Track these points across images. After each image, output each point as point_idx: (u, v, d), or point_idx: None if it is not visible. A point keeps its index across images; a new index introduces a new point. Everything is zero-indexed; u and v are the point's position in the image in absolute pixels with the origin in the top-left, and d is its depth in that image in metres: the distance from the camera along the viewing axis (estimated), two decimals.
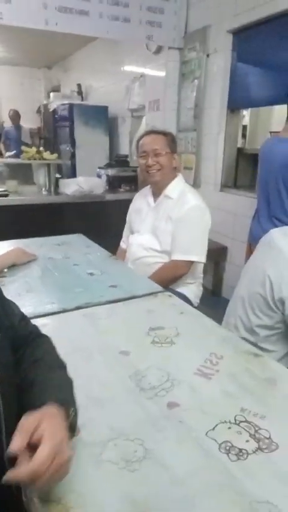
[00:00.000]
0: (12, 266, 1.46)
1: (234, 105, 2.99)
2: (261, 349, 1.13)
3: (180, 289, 1.78)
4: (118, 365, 0.90)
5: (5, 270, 1.41)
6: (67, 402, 0.63)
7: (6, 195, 2.88)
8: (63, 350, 0.84)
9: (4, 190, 2.95)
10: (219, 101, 3.05)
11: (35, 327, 0.84)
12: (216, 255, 3.09)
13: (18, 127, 5.87)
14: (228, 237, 3.07)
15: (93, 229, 2.42)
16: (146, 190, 1.93)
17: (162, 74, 3.54)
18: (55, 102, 4.81)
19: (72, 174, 4.36)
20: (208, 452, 0.66)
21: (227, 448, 0.67)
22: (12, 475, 0.50)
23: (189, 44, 3.29)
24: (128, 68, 4.33)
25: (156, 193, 1.84)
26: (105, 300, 1.23)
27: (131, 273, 1.53)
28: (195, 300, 1.83)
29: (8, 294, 1.20)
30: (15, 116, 5.81)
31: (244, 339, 1.11)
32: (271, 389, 0.83)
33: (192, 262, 1.72)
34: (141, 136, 1.80)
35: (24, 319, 0.84)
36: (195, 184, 3.35)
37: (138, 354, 0.95)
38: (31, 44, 5.21)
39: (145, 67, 3.83)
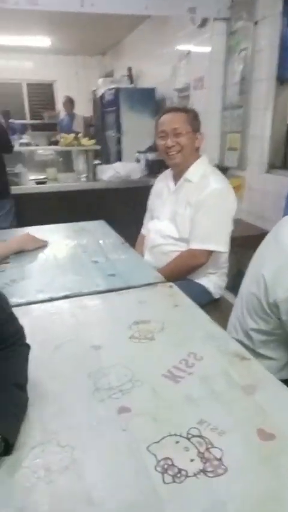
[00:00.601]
0: (20, 252, 1.46)
1: (284, 75, 2.70)
2: (259, 355, 0.99)
3: (199, 280, 1.66)
4: (83, 360, 0.84)
5: (10, 256, 1.41)
6: None
7: (44, 182, 2.94)
8: (32, 340, 0.80)
9: (44, 178, 3.01)
10: (267, 72, 2.77)
11: (21, 331, 0.77)
12: (260, 242, 2.85)
13: (71, 115, 5.89)
14: (274, 222, 2.80)
15: (127, 215, 2.36)
16: (168, 173, 1.81)
17: (208, 48, 3.32)
18: (102, 88, 4.77)
19: (118, 160, 4.32)
20: (141, 470, 0.57)
21: (165, 466, 0.58)
22: None
23: (236, 13, 3.02)
24: (175, 46, 4.13)
25: (177, 177, 1.71)
26: (98, 290, 1.17)
27: (137, 261, 1.44)
28: (217, 291, 1.70)
29: (3, 280, 1.20)
30: (68, 104, 5.74)
31: (240, 342, 0.97)
32: (245, 399, 0.71)
33: (211, 252, 1.58)
34: (161, 115, 1.67)
35: (11, 316, 0.76)
36: (241, 166, 3.12)
37: (109, 349, 0.88)
38: (82, 32, 5.21)
39: (191, 43, 3.62)
